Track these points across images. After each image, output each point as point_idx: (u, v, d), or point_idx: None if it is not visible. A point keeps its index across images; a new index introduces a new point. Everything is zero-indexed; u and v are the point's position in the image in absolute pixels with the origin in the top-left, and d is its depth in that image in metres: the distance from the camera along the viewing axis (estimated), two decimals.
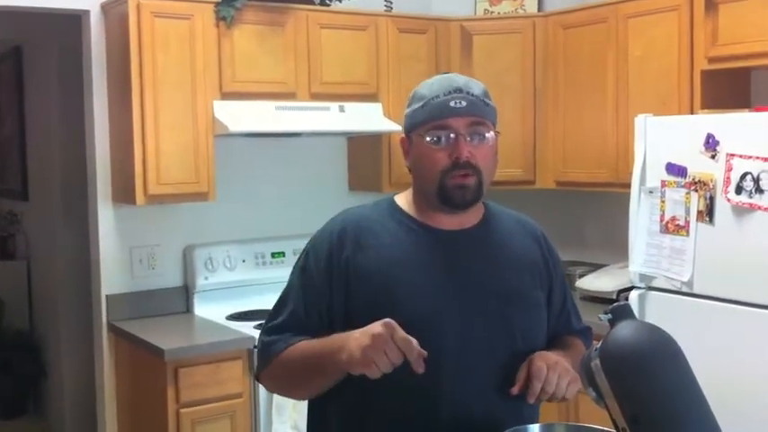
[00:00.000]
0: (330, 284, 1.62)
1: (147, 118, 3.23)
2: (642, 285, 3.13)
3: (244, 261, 3.75)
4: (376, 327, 1.45)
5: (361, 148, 4.01)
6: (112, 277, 3.53)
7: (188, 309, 3.66)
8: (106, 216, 3.52)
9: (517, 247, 1.72)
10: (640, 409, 1.24)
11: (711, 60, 3.23)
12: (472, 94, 1.60)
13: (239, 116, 3.38)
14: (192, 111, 3.32)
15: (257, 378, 1.74)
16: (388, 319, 1.46)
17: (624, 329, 1.30)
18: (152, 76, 3.24)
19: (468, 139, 1.59)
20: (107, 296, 3.51)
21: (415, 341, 1.43)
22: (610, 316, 1.35)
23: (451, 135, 1.59)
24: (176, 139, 3.30)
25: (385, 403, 1.60)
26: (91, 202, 3.57)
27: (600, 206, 4.05)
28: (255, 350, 1.76)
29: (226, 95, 3.40)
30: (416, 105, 1.64)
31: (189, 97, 3.31)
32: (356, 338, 1.47)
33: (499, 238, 1.72)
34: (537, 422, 1.60)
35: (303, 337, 1.62)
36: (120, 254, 3.55)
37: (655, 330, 1.32)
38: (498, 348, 1.62)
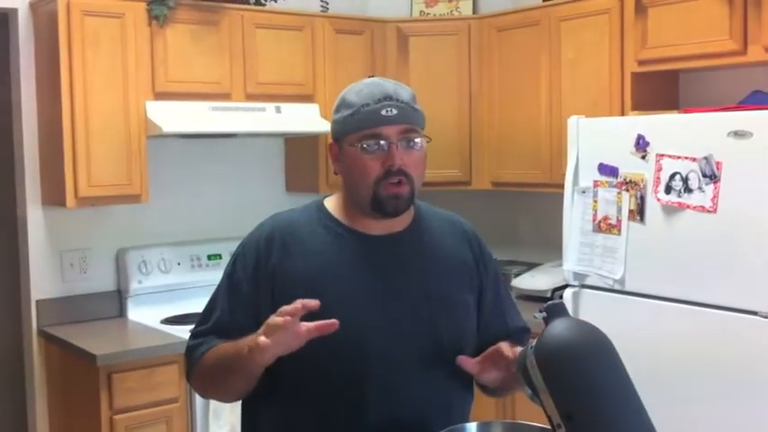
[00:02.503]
0: (257, 291, 1.62)
1: (77, 118, 3.17)
2: (576, 283, 3.19)
3: (179, 264, 3.69)
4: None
5: (298, 148, 3.99)
6: (42, 282, 3.45)
7: (121, 313, 3.59)
8: (35, 219, 3.43)
9: (447, 250, 1.72)
10: (574, 406, 1.26)
11: (641, 63, 3.31)
12: (402, 101, 1.59)
13: (173, 116, 3.33)
14: (124, 111, 3.26)
15: (188, 381, 1.74)
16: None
17: (558, 327, 1.32)
18: (82, 76, 3.17)
19: (400, 146, 1.59)
20: (37, 301, 3.43)
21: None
22: (544, 314, 1.36)
23: (383, 143, 1.58)
24: (108, 140, 3.23)
25: (313, 406, 1.60)
26: (19, 205, 3.48)
27: (535, 206, 4.11)
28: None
29: (159, 95, 3.35)
30: (346, 113, 1.62)
31: (121, 97, 3.25)
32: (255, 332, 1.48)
33: (428, 241, 1.71)
34: (467, 422, 1.62)
35: (224, 340, 1.61)
36: (50, 257, 3.46)
37: (588, 328, 1.35)
38: (425, 353, 1.62)
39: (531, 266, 4.01)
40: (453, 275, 1.70)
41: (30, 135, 3.41)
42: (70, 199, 3.18)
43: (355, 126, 1.60)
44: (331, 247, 1.64)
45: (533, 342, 1.35)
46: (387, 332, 1.59)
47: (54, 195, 3.31)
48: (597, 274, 3.09)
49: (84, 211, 3.48)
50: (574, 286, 3.19)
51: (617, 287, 3.03)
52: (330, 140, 1.69)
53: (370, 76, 1.69)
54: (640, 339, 2.91)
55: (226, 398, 1.73)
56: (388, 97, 1.58)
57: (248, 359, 1.49)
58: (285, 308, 1.44)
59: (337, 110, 1.65)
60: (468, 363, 1.59)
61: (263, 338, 1.43)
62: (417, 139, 1.62)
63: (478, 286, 1.74)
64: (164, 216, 3.71)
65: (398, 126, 1.58)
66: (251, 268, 1.63)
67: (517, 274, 3.98)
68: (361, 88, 1.62)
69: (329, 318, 1.50)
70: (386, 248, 1.66)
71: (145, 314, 3.55)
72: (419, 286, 1.65)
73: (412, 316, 1.62)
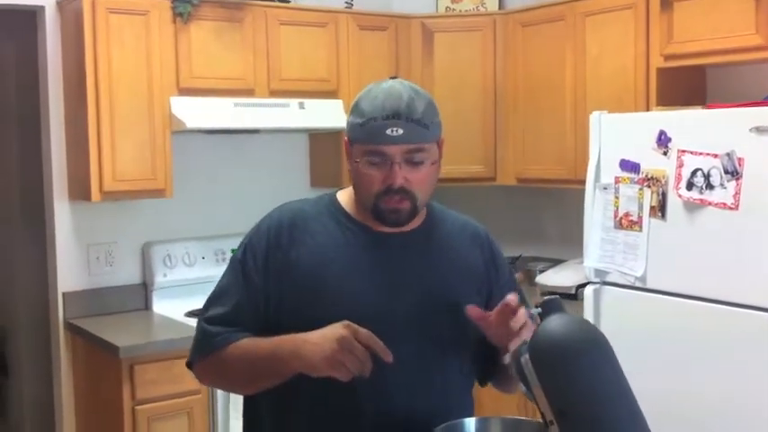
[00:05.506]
0: (266, 283, 1.62)
1: (102, 114, 3.21)
2: (597, 280, 3.16)
3: (203, 258, 3.73)
4: (337, 329, 1.47)
5: (323, 144, 4.01)
6: (69, 274, 3.51)
7: (147, 306, 3.64)
8: (62, 213, 3.49)
9: (456, 251, 1.71)
10: (566, 403, 1.25)
11: (667, 58, 3.26)
12: (412, 119, 1.55)
13: (197, 112, 3.37)
14: (149, 107, 3.31)
15: (189, 365, 1.71)
16: (346, 321, 1.48)
17: (552, 323, 1.31)
18: (108, 72, 3.22)
19: (404, 165, 1.56)
20: (64, 293, 3.49)
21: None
22: (540, 310, 1.36)
23: (386, 161, 1.56)
24: (133, 136, 3.28)
25: (309, 395, 1.60)
26: (47, 199, 3.54)
27: (559, 202, 4.08)
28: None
29: (183, 91, 3.39)
30: (356, 121, 1.59)
31: (145, 93, 3.30)
32: (316, 344, 1.48)
33: (438, 241, 1.70)
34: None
35: (245, 333, 1.61)
36: (76, 251, 3.52)
37: (583, 324, 1.33)
38: (424, 351, 1.61)
39: (555, 263, 3.99)
40: (460, 277, 1.69)
41: (57, 131, 3.46)
42: (95, 193, 3.23)
43: (361, 138, 1.58)
44: (339, 240, 1.64)
45: (528, 338, 1.34)
46: (388, 327, 1.57)
47: (80, 190, 3.36)
48: (618, 270, 3.06)
49: (110, 206, 3.53)
50: (595, 283, 3.17)
51: (638, 284, 2.99)
52: (346, 138, 1.67)
53: (392, 77, 1.66)
54: (661, 337, 2.88)
55: (242, 392, 1.73)
56: (396, 115, 1.54)
57: (294, 368, 1.51)
58: (377, 339, 1.46)
59: (351, 111, 1.63)
60: (475, 312, 1.55)
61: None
62: (425, 159, 1.58)
63: (488, 290, 1.72)
64: (188, 211, 3.75)
65: (403, 146, 1.55)
66: (261, 258, 1.63)
67: (542, 271, 3.96)
68: (376, 95, 1.58)
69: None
70: (394, 246, 1.65)
71: (169, 307, 3.59)
72: (423, 285, 1.64)
73: (414, 313, 1.61)
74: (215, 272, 3.70)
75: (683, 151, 2.82)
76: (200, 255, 3.73)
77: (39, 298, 4.01)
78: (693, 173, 2.79)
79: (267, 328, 1.60)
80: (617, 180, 3.05)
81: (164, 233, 3.70)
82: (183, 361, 3.10)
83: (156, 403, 3.10)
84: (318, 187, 4.04)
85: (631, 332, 2.97)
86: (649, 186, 2.94)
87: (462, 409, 1.65)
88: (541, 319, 1.35)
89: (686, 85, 3.40)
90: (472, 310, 1.55)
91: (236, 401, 3.16)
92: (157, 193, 3.38)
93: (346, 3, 3.98)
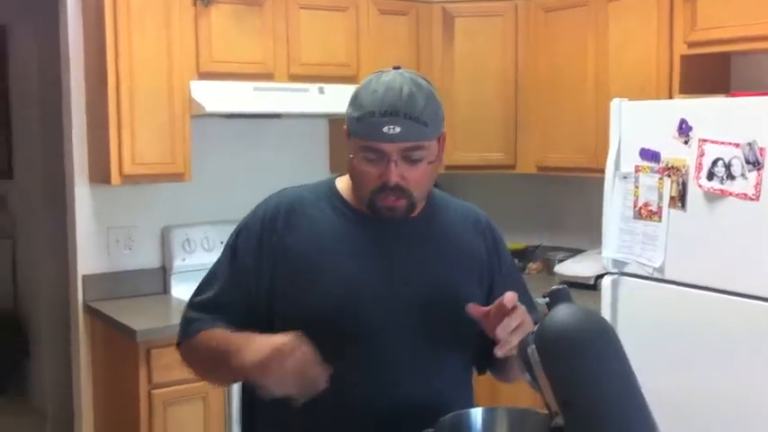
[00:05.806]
0: (259, 265, 1.61)
1: (122, 98, 3.22)
2: (615, 271, 3.13)
3: (222, 242, 3.68)
4: (283, 338, 1.42)
5: (342, 130, 3.99)
6: (89, 257, 3.52)
7: (165, 290, 3.66)
8: (83, 196, 3.50)
9: (456, 239, 1.69)
10: (571, 393, 1.24)
11: (691, 45, 3.22)
12: (410, 117, 1.50)
13: (217, 96, 3.37)
14: (169, 91, 3.31)
15: (177, 348, 1.72)
16: (298, 333, 1.43)
17: (559, 313, 1.29)
18: (128, 56, 3.22)
19: (401, 163, 1.53)
20: (83, 276, 3.51)
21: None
22: (547, 300, 1.34)
23: (382, 158, 1.53)
24: (152, 119, 3.28)
25: None
26: (68, 182, 3.56)
27: (580, 191, 4.05)
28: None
29: (203, 75, 3.38)
30: (354, 113, 1.56)
31: (165, 77, 3.29)
32: (257, 344, 1.45)
33: (439, 229, 1.68)
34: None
35: (222, 323, 1.60)
36: (96, 234, 3.54)
37: (590, 315, 1.31)
38: (419, 338, 1.59)
39: (575, 252, 3.96)
40: (460, 265, 1.67)
41: (78, 115, 3.47)
42: (115, 176, 3.24)
43: (358, 133, 1.55)
44: (336, 226, 1.63)
45: (535, 328, 1.33)
46: (387, 314, 1.58)
47: (100, 173, 3.37)
48: (637, 261, 3.03)
49: (130, 189, 3.55)
50: (613, 273, 3.14)
51: (656, 275, 2.97)
52: (345, 126, 1.63)
53: (396, 67, 1.61)
54: (679, 328, 2.85)
55: (213, 383, 1.75)
56: (394, 112, 1.50)
57: (241, 369, 1.47)
58: (316, 364, 1.41)
59: (351, 102, 1.59)
60: (475, 310, 1.51)
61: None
62: (422, 156, 1.54)
63: (489, 279, 1.71)
64: (208, 195, 3.76)
65: (400, 144, 1.51)
66: (254, 242, 1.63)
67: (561, 260, 3.93)
68: (375, 89, 1.53)
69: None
70: (392, 233, 1.63)
71: (188, 291, 3.51)
72: (424, 271, 1.63)
73: (414, 300, 1.60)
74: None
75: (704, 140, 2.78)
76: (220, 239, 3.73)
77: (59, 280, 4.05)
78: (714, 162, 2.75)
79: (260, 314, 1.60)
80: (637, 169, 3.01)
81: (183, 217, 3.71)
82: None
83: (172, 387, 3.10)
84: (338, 173, 4.03)
85: (649, 323, 2.95)
86: (669, 176, 2.90)
87: (461, 398, 1.64)
88: (549, 309, 1.33)
89: (710, 73, 3.35)
90: (473, 309, 1.51)
91: None
92: (176, 177, 3.39)
93: None
